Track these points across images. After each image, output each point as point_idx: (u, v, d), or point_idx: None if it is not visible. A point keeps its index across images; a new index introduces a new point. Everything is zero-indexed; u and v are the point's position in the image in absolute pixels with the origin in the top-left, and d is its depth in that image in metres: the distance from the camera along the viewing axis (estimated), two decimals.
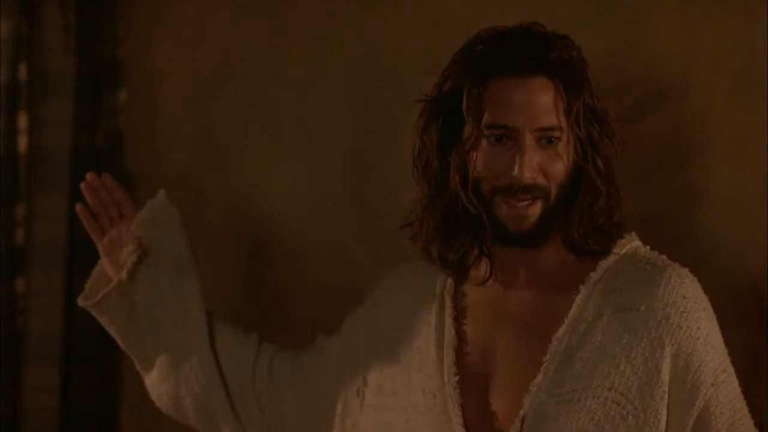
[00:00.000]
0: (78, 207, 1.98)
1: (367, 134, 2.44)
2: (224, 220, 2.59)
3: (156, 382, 2.00)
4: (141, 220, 1.96)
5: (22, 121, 2.53)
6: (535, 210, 1.66)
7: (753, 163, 2.07)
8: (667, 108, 2.14)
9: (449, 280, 1.78)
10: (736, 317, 1.93)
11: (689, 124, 2.13)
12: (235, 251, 2.58)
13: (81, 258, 2.50)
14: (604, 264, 1.71)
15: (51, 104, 2.53)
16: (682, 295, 1.67)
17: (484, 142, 1.66)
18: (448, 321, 1.74)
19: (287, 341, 2.07)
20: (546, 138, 1.66)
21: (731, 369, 1.70)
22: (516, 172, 1.64)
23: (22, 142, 2.53)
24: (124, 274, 1.95)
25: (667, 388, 1.64)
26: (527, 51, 1.65)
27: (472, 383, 1.70)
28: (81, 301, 1.99)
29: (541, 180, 1.66)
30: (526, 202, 1.66)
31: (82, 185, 1.98)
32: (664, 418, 1.64)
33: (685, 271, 1.70)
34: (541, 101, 1.65)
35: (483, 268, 1.74)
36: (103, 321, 1.99)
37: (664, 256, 1.73)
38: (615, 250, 1.72)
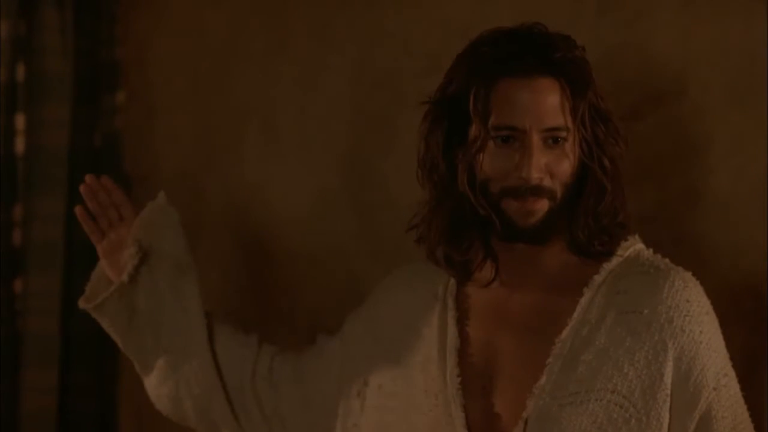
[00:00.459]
0: (77, 210, 1.97)
1: (365, 134, 2.43)
2: (223, 220, 2.58)
3: (155, 384, 2.00)
4: (141, 223, 1.96)
5: (20, 121, 2.53)
6: (543, 205, 1.67)
7: (752, 164, 2.07)
8: (666, 108, 2.13)
9: (452, 282, 1.78)
10: (735, 317, 1.93)
11: (688, 124, 2.12)
12: (234, 252, 2.57)
13: (79, 259, 2.51)
14: (608, 266, 1.71)
15: (49, 105, 2.53)
16: (686, 299, 1.67)
17: (490, 143, 1.66)
18: (451, 322, 1.75)
19: (287, 342, 2.06)
20: (552, 138, 1.66)
21: (733, 373, 1.70)
22: (524, 173, 1.64)
23: (20, 143, 2.53)
24: (125, 277, 1.94)
25: (669, 391, 1.64)
26: (532, 51, 1.66)
27: (475, 385, 1.70)
28: (82, 304, 1.98)
29: (547, 181, 1.66)
30: (533, 198, 1.66)
31: (81, 188, 1.97)
32: (666, 421, 1.64)
33: (688, 275, 1.70)
34: (547, 102, 1.65)
35: (488, 270, 1.74)
36: (104, 323, 1.99)
37: (667, 260, 1.73)
38: (618, 252, 1.73)
